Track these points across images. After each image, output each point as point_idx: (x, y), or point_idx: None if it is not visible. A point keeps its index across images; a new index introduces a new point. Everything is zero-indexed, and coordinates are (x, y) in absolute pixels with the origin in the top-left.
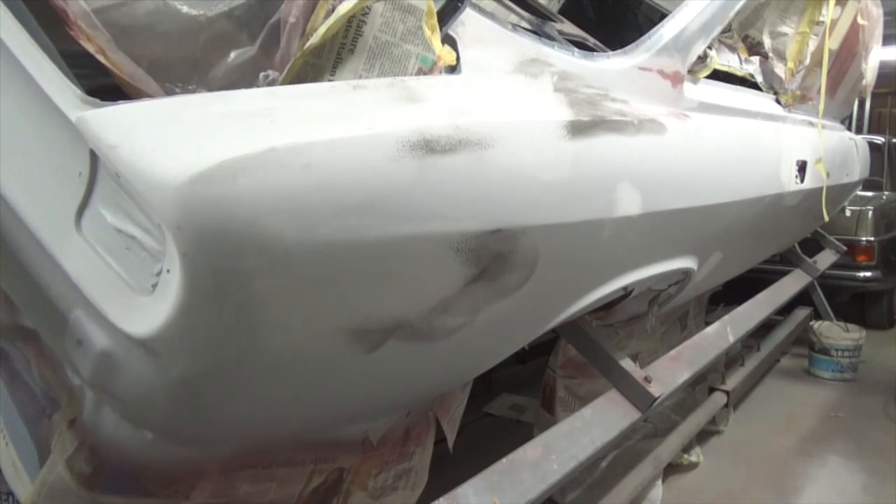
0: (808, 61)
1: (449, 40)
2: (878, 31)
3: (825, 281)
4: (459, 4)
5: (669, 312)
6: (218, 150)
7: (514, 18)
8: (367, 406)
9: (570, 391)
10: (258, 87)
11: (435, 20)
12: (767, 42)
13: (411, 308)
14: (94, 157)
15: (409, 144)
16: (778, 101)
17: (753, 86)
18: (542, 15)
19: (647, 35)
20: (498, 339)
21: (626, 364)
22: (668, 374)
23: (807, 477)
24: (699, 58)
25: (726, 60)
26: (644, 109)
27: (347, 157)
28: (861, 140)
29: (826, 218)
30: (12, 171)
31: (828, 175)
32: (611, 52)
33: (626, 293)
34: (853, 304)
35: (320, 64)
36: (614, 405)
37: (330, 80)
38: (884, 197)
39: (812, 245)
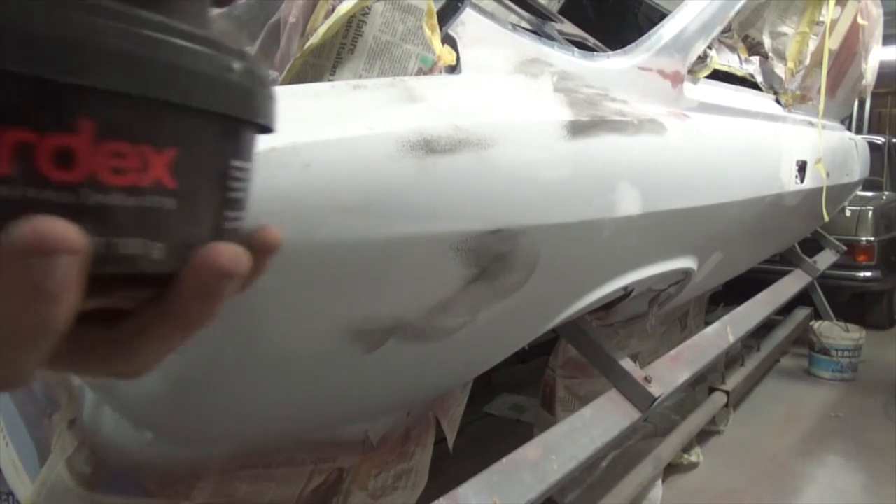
0: (808, 61)
1: (449, 40)
2: (878, 31)
3: (825, 281)
4: (459, 4)
5: (669, 312)
6: None
7: (514, 18)
8: (367, 406)
9: (570, 391)
10: None
11: (435, 20)
12: (767, 42)
13: (411, 308)
14: None
15: (410, 144)
16: (778, 101)
17: (753, 86)
18: (542, 15)
19: (647, 35)
20: (498, 339)
21: (626, 364)
22: (668, 374)
23: (807, 477)
24: (699, 58)
25: (726, 60)
26: (644, 109)
27: (347, 156)
28: (861, 140)
29: (826, 218)
30: None
31: (828, 175)
32: (611, 52)
33: (626, 293)
34: (853, 304)
35: (320, 64)
36: (614, 405)
37: (330, 80)
38: (884, 197)
39: (812, 245)
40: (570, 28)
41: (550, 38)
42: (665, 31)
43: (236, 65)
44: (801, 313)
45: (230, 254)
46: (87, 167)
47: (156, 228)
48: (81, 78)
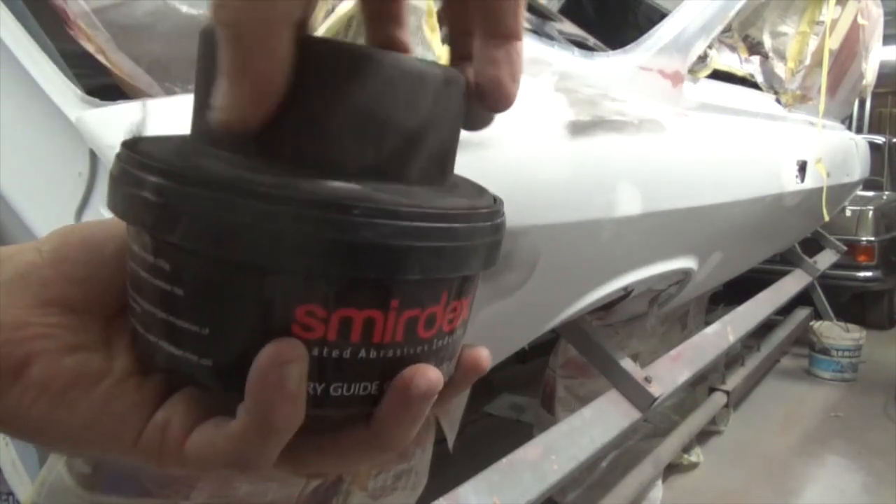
0: (808, 61)
1: None
2: (879, 31)
3: (825, 281)
4: None
5: (669, 312)
6: None
7: None
8: None
9: (570, 391)
10: None
11: (435, 20)
12: (767, 42)
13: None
14: (93, 157)
15: None
16: (778, 101)
17: (753, 86)
18: (542, 15)
19: (647, 35)
20: (498, 339)
21: (626, 364)
22: (668, 374)
23: (807, 477)
24: (699, 58)
25: (726, 60)
26: (644, 109)
27: None
28: (861, 140)
29: (826, 218)
30: (12, 171)
31: (828, 175)
32: (611, 52)
33: (626, 293)
34: (853, 304)
35: None
36: (614, 405)
37: None
38: (884, 197)
39: (812, 245)
40: (570, 28)
41: (550, 37)
42: (665, 31)
43: (500, 221)
44: (802, 313)
45: (432, 376)
46: (440, 324)
47: (455, 352)
48: (457, 272)
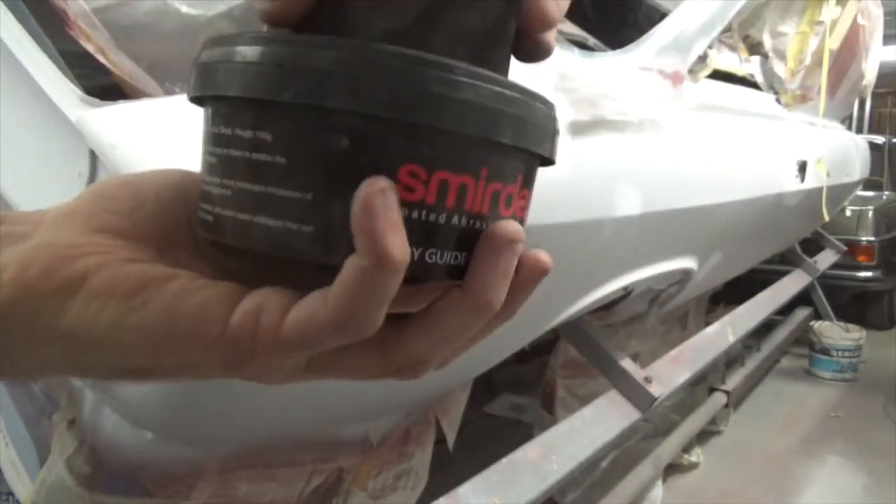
0: (808, 61)
1: None
2: (879, 31)
3: (825, 281)
4: None
5: (669, 312)
6: None
7: None
8: (368, 406)
9: (570, 391)
10: None
11: None
12: (767, 42)
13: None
14: (93, 157)
15: None
16: (778, 101)
17: (753, 86)
18: None
19: (647, 35)
20: (498, 339)
21: (626, 364)
22: (668, 374)
23: (807, 477)
24: (699, 58)
25: (726, 60)
26: (644, 109)
27: None
28: (861, 140)
29: (826, 218)
30: (12, 171)
31: (828, 175)
32: (611, 52)
33: (626, 293)
34: (853, 304)
35: None
36: (614, 405)
37: None
38: (884, 197)
39: (812, 245)
40: (570, 28)
41: None
42: (665, 31)
43: (553, 112)
44: (802, 313)
45: (515, 226)
46: (515, 207)
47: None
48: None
